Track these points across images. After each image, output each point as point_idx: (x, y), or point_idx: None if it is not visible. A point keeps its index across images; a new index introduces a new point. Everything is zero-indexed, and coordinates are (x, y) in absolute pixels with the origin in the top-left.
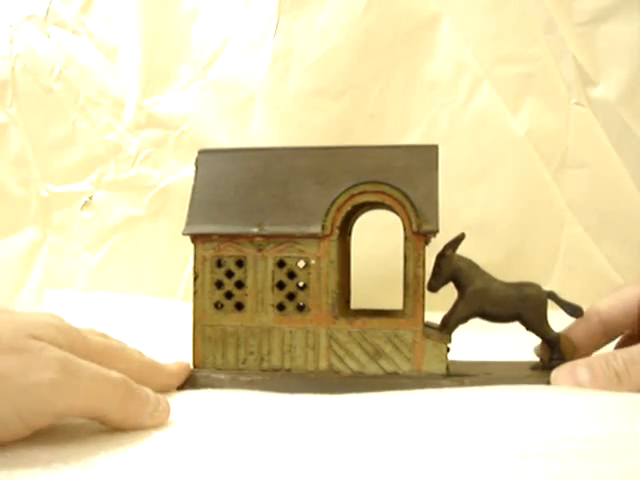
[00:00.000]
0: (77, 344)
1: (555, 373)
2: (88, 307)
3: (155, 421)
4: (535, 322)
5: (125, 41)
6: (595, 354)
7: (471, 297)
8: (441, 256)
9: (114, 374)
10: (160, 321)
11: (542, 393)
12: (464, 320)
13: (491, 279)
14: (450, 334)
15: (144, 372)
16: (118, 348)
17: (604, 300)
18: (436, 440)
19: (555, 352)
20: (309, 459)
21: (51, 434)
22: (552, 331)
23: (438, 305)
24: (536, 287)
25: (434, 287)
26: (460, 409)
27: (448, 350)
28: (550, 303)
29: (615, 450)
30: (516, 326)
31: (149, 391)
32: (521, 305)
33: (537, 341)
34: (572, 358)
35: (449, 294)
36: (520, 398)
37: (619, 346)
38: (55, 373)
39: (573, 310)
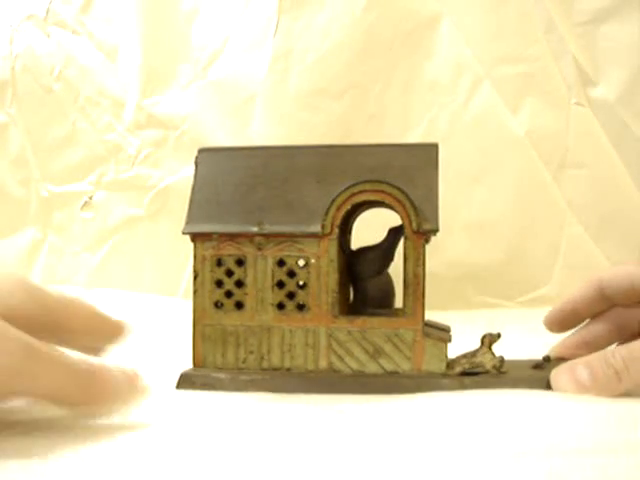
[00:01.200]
0: (37, 308)
1: (555, 372)
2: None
3: (125, 402)
4: None
5: (125, 41)
6: (595, 353)
7: None
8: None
9: (76, 359)
10: (161, 318)
11: (543, 401)
12: None
13: None
14: None
15: (95, 324)
16: (75, 305)
17: (609, 269)
18: (434, 447)
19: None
20: (307, 463)
21: (50, 426)
22: None
23: (438, 304)
24: None
25: None
26: (460, 417)
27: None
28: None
29: (615, 447)
30: (517, 326)
31: (118, 372)
32: None
33: (537, 342)
34: None
35: (449, 293)
36: (521, 406)
37: (621, 344)
38: (15, 358)
39: None
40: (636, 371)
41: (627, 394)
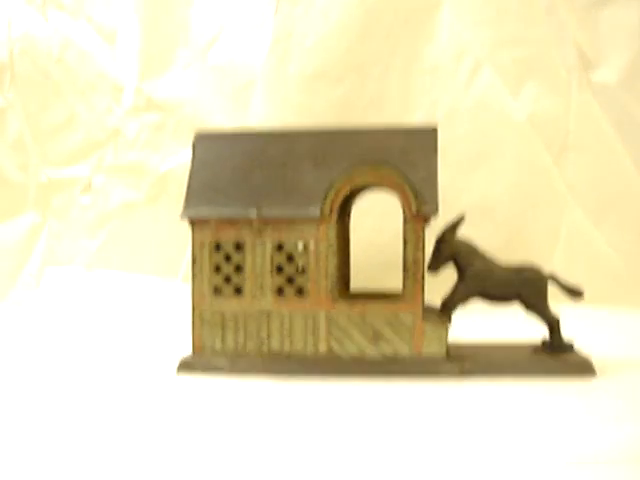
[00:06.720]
0: None
1: None
2: (88, 285)
3: None
4: (535, 304)
5: (124, 24)
6: None
7: (471, 278)
8: (440, 241)
9: None
10: (160, 301)
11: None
12: (464, 300)
13: (491, 261)
14: (451, 315)
15: None
16: None
17: None
18: (431, 432)
19: (555, 335)
20: (307, 446)
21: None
22: (552, 313)
23: (438, 289)
24: (536, 269)
25: (433, 268)
26: (458, 403)
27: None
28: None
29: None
30: (517, 308)
31: None
32: (521, 287)
33: (536, 327)
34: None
35: (449, 278)
36: (519, 394)
37: None
38: None
39: (573, 292)
40: None
41: None
